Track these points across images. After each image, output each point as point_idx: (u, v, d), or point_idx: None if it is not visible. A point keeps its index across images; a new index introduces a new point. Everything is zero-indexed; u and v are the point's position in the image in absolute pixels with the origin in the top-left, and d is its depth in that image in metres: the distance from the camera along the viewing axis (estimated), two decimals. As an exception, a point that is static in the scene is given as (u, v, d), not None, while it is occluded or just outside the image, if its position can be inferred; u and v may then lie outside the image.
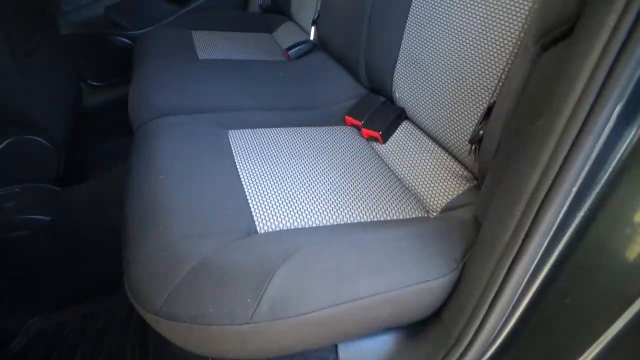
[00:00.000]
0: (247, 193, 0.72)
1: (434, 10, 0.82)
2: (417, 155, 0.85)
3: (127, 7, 1.70)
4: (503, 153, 0.61)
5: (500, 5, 0.68)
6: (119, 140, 1.52)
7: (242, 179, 0.75)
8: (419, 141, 0.88)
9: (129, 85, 1.21)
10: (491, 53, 0.70)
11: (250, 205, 0.70)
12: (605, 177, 0.48)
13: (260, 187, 0.74)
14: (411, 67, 0.90)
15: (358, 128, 0.97)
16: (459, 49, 0.76)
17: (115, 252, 0.71)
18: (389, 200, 0.75)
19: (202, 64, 1.24)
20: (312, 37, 1.33)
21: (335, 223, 0.69)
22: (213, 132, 0.89)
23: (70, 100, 1.46)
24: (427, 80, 0.85)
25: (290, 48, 1.36)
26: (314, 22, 1.32)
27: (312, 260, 0.56)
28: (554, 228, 0.51)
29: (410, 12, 0.90)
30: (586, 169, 0.47)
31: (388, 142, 0.92)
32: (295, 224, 0.68)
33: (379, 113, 0.97)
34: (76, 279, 1.08)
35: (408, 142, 0.89)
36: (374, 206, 0.73)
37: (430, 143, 0.86)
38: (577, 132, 0.46)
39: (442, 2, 0.80)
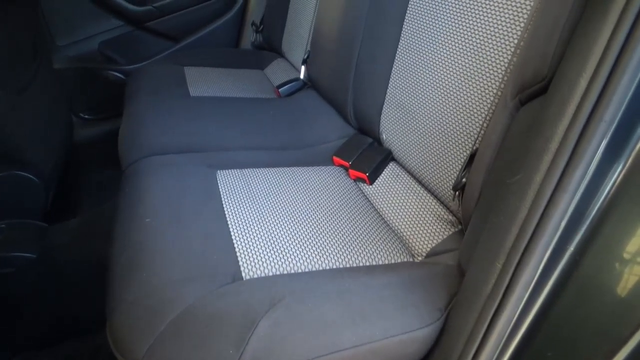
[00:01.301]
0: (233, 237, 0.72)
1: (419, 58, 0.85)
2: (403, 197, 0.87)
3: (120, 42, 1.73)
4: (484, 203, 0.62)
5: (480, 57, 0.70)
6: (109, 174, 1.52)
7: (229, 222, 0.75)
8: (406, 184, 0.89)
9: (120, 119, 1.22)
10: (472, 103, 0.72)
11: (236, 249, 0.70)
12: (582, 230, 0.50)
13: (246, 231, 0.74)
14: (397, 111, 0.92)
15: (346, 168, 0.98)
16: (442, 96, 0.79)
17: (101, 290, 0.71)
18: (375, 244, 0.76)
19: (193, 101, 1.26)
20: (302, 76, 1.36)
21: (320, 268, 0.69)
22: (202, 172, 0.90)
23: (61, 134, 1.46)
24: (412, 125, 0.87)
25: (280, 86, 1.38)
26: (304, 62, 1.34)
27: (296, 310, 0.56)
28: (535, 280, 0.52)
29: (396, 58, 0.92)
30: (563, 223, 0.48)
31: (375, 183, 0.93)
32: (281, 269, 0.68)
33: (367, 154, 0.98)
34: (61, 318, 1.07)
35: (394, 184, 0.91)
36: (359, 250, 0.74)
37: (416, 186, 0.88)
38: (552, 190, 0.47)
39: (426, 51, 0.83)
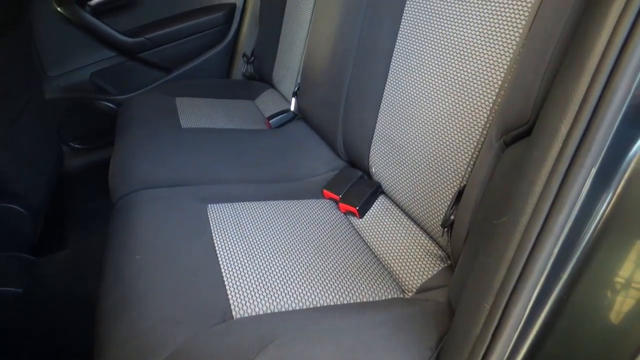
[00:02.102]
0: (224, 274, 0.72)
1: (406, 94, 0.87)
2: (392, 232, 0.87)
3: (112, 72, 1.74)
4: (473, 242, 0.63)
5: (465, 97, 0.72)
6: (99, 203, 1.51)
7: (220, 260, 0.75)
8: (395, 218, 0.90)
9: (111, 148, 1.23)
10: (459, 140, 0.73)
11: (227, 287, 0.70)
12: (568, 271, 0.51)
13: (237, 268, 0.74)
14: (386, 145, 0.93)
15: (336, 202, 0.99)
16: (429, 132, 0.80)
17: (89, 327, 0.70)
18: (366, 280, 0.76)
19: (184, 133, 1.27)
20: (292, 108, 1.38)
21: (311, 306, 0.69)
22: (192, 207, 0.90)
23: (50, 164, 1.46)
24: (401, 159, 0.88)
25: (271, 117, 1.40)
26: (294, 94, 1.37)
27: (287, 352, 0.56)
28: (524, 319, 0.52)
29: (384, 94, 0.94)
30: (549, 265, 0.49)
31: (365, 217, 0.94)
32: (272, 307, 0.68)
33: (356, 187, 0.99)
34: (47, 354, 1.05)
35: (384, 218, 0.91)
36: (350, 287, 0.74)
37: (405, 220, 0.89)
38: (538, 232, 0.48)
39: (413, 88, 0.85)
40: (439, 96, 0.78)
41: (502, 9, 0.67)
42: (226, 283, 0.71)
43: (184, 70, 1.79)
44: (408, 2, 0.89)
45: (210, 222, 0.86)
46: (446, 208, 0.75)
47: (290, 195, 1.01)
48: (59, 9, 1.57)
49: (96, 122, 1.72)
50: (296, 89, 1.36)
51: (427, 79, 0.82)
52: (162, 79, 1.79)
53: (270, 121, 1.38)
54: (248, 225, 0.86)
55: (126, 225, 0.85)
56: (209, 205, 0.92)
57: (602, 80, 0.44)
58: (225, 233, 0.83)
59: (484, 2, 0.70)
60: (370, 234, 0.90)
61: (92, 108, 1.71)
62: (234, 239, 0.82)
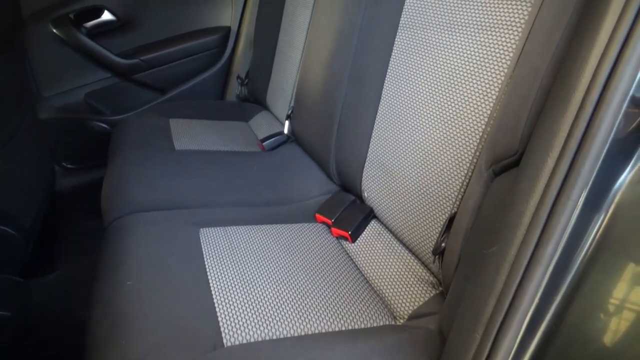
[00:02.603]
0: (215, 301, 0.72)
1: (398, 120, 0.88)
2: (384, 257, 0.88)
3: (106, 93, 1.75)
4: (463, 271, 0.64)
5: (455, 125, 0.74)
6: (90, 224, 1.51)
7: (211, 285, 0.75)
8: (387, 243, 0.91)
9: (104, 169, 1.23)
10: (449, 168, 0.74)
11: (218, 315, 0.69)
12: (557, 301, 0.51)
13: (228, 295, 0.74)
14: (378, 170, 0.94)
15: (328, 226, 1.00)
16: (421, 159, 0.81)
17: (78, 351, 0.69)
18: (358, 307, 0.76)
19: (177, 155, 1.27)
20: (286, 130, 1.39)
21: (303, 333, 0.69)
22: (185, 231, 0.90)
23: (42, 185, 1.45)
24: (393, 184, 0.89)
25: (265, 139, 1.41)
26: (288, 117, 1.38)
27: (278, 381, 0.56)
28: (514, 349, 0.53)
29: (376, 119, 0.96)
30: (538, 295, 0.50)
31: (357, 241, 0.94)
32: (263, 334, 0.68)
33: (349, 212, 1.00)
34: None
35: (376, 243, 0.92)
36: (342, 314, 0.74)
37: (397, 245, 0.89)
38: (527, 263, 0.49)
39: (404, 114, 0.86)
40: (430, 123, 0.80)
41: (490, 42, 0.69)
42: (217, 310, 0.70)
43: (179, 92, 1.81)
44: (399, 32, 0.91)
45: (203, 247, 0.86)
46: (437, 235, 0.76)
47: (283, 219, 1.01)
48: (55, 30, 1.59)
49: (90, 143, 1.72)
50: (290, 112, 1.37)
51: (418, 106, 0.84)
52: (156, 100, 1.80)
53: (264, 143, 1.39)
54: (240, 250, 0.86)
55: (117, 250, 0.84)
56: (202, 229, 0.92)
57: (586, 115, 0.45)
58: (217, 258, 0.83)
59: (472, 34, 0.72)
60: (363, 259, 0.90)
61: (86, 128, 1.71)
62: (226, 264, 0.81)
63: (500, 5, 0.68)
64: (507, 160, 0.58)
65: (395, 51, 0.92)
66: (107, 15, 1.66)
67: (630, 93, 0.44)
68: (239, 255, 0.85)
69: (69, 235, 1.55)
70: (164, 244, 0.85)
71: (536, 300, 0.50)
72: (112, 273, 0.79)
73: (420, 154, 0.82)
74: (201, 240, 0.88)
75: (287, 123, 1.39)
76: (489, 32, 0.69)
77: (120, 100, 1.78)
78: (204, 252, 0.84)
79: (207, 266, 0.80)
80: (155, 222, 0.93)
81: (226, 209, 1.03)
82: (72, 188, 1.73)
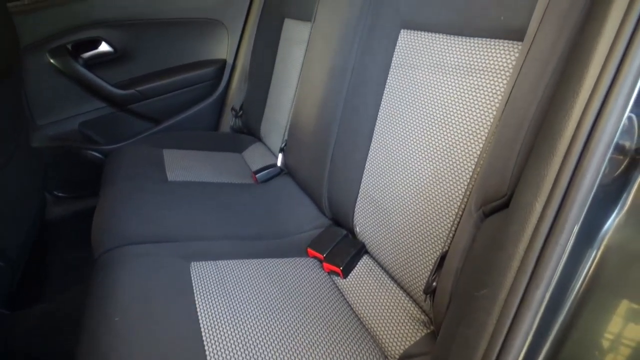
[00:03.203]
0: (204, 340, 0.71)
1: (390, 156, 0.90)
2: (376, 294, 0.87)
3: (101, 123, 1.76)
4: (454, 312, 0.63)
5: (446, 164, 0.75)
6: (79, 255, 1.49)
7: (201, 322, 0.74)
8: (379, 279, 0.91)
9: (96, 198, 1.22)
10: (440, 206, 0.75)
11: (207, 354, 0.68)
12: (548, 345, 0.51)
13: (218, 331, 0.73)
14: (370, 205, 0.95)
15: (320, 261, 0.99)
16: (412, 196, 0.82)
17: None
18: (349, 345, 0.76)
19: (170, 187, 1.27)
20: (279, 163, 1.40)
21: (292, 373, 0.68)
22: (175, 265, 0.89)
23: (31, 213, 1.44)
24: (385, 220, 0.90)
25: (258, 171, 1.41)
26: (281, 150, 1.39)
27: None
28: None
29: (369, 154, 0.97)
30: (529, 339, 0.50)
31: (348, 277, 0.94)
32: (252, 374, 0.67)
33: (340, 247, 1.00)
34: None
35: (368, 279, 0.92)
36: (332, 353, 0.73)
37: (389, 282, 0.89)
38: (517, 306, 0.49)
39: (396, 151, 0.88)
40: (421, 161, 0.81)
41: (480, 84, 0.71)
42: (206, 349, 0.69)
43: (173, 122, 1.82)
44: (391, 71, 0.93)
45: (193, 282, 0.85)
46: (429, 273, 0.76)
47: (274, 253, 1.01)
48: (52, 60, 1.61)
49: (82, 171, 1.72)
50: (283, 145, 1.38)
51: (409, 144, 0.85)
52: (150, 130, 1.81)
53: (257, 175, 1.40)
54: (231, 286, 0.86)
55: (106, 284, 0.83)
56: (192, 263, 0.91)
57: (572, 162, 0.46)
58: (208, 294, 0.82)
59: (462, 76, 0.74)
60: (354, 295, 0.90)
61: (79, 157, 1.71)
62: (216, 300, 0.81)
63: (489, 50, 0.70)
64: (497, 202, 0.59)
65: (387, 89, 0.94)
66: (104, 47, 1.69)
67: (614, 141, 0.45)
68: (230, 290, 0.84)
69: (58, 265, 1.53)
70: (153, 279, 0.84)
71: (527, 343, 0.50)
72: (99, 308, 0.77)
73: (412, 191, 0.83)
74: (192, 275, 0.87)
75: (280, 156, 1.40)
76: (478, 75, 0.71)
77: (114, 130, 1.79)
78: (194, 287, 0.83)
79: (196, 302, 0.79)
80: (146, 255, 0.92)
81: (218, 242, 1.03)
82: (62, 217, 1.72)
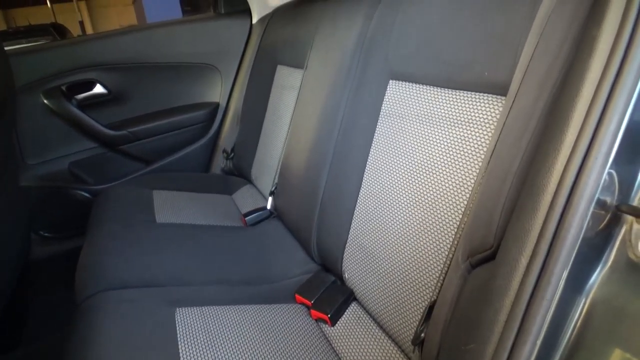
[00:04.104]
0: (186, 391, 0.69)
1: (379, 203, 0.90)
2: (364, 343, 0.86)
3: (91, 163, 1.76)
4: (442, 365, 0.63)
5: (433, 213, 0.75)
6: (63, 298, 1.45)
7: (184, 373, 0.72)
8: (367, 328, 0.89)
9: (82, 238, 1.20)
10: (428, 256, 0.75)
11: (189, 407, 0.66)
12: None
13: (201, 383, 0.71)
14: (359, 252, 0.95)
15: (308, 307, 0.98)
16: (400, 244, 0.82)
17: None
18: (335, 398, 0.74)
19: (158, 229, 1.26)
20: (269, 206, 1.40)
21: None
22: (160, 311, 0.87)
23: (15, 253, 1.41)
24: (374, 268, 0.89)
25: (247, 214, 1.41)
26: (271, 193, 1.39)
27: None
28: None
29: (358, 201, 0.98)
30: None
31: (336, 325, 0.93)
32: None
33: (329, 293, 0.99)
34: None
35: (356, 327, 0.90)
36: (319, 406, 0.71)
37: (377, 331, 0.88)
38: (505, 362, 0.49)
39: (385, 199, 0.89)
40: (409, 210, 0.82)
41: (465, 136, 0.72)
42: (188, 401, 0.67)
43: (164, 163, 1.83)
44: (380, 119, 0.95)
45: (177, 329, 0.83)
46: (417, 323, 0.75)
47: (261, 299, 1.00)
48: (46, 101, 1.62)
49: (70, 211, 1.70)
50: (273, 188, 1.39)
51: (398, 191, 0.86)
52: (141, 171, 1.81)
53: (246, 218, 1.39)
54: (216, 333, 0.84)
55: (88, 332, 0.81)
56: (178, 309, 0.89)
57: (555, 217, 0.47)
58: (192, 342, 0.80)
59: (448, 128, 0.76)
60: (342, 344, 0.88)
61: (68, 197, 1.70)
62: (201, 349, 0.79)
63: (474, 103, 0.72)
64: (483, 253, 0.59)
65: (377, 137, 0.96)
66: (98, 88, 1.71)
67: (596, 196, 0.47)
68: (215, 339, 0.82)
69: (40, 307, 1.49)
70: (136, 326, 0.82)
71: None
72: (80, 356, 0.75)
73: (400, 239, 0.83)
74: (176, 322, 0.85)
75: (270, 199, 1.41)
76: (464, 127, 0.73)
77: (104, 170, 1.79)
78: (178, 335, 0.81)
79: (180, 351, 0.77)
80: (130, 301, 0.90)
81: (204, 287, 1.02)
82: (47, 257, 1.69)
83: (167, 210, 1.40)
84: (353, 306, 0.96)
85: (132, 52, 1.74)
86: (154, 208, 1.40)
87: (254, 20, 1.85)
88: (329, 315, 0.92)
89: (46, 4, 10.87)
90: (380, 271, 0.87)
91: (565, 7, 0.56)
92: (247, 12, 1.85)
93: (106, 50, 1.71)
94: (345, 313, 0.95)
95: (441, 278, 0.72)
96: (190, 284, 1.02)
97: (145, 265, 1.05)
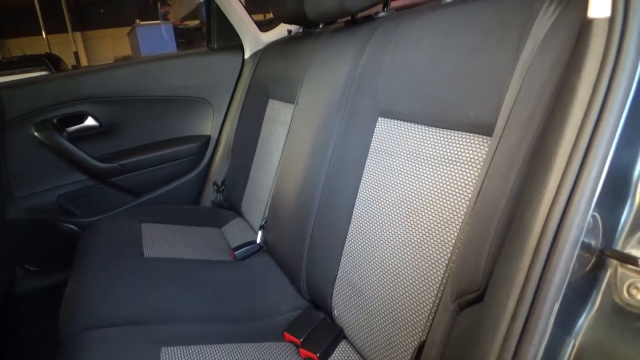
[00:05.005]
0: None
1: (368, 240, 0.90)
2: (353, 384, 0.84)
3: (80, 195, 1.75)
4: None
5: (422, 250, 0.76)
6: (46, 334, 1.42)
7: (167, 418, 0.70)
8: (356, 367, 0.88)
9: (68, 272, 1.18)
10: (417, 295, 0.75)
11: None
12: None
13: None
14: (349, 289, 0.94)
15: (297, 345, 0.96)
16: (390, 281, 0.82)
17: None
18: None
19: (146, 264, 1.24)
20: (258, 240, 1.39)
21: None
22: (145, 351, 0.86)
23: (-2, 288, 1.38)
24: (363, 305, 0.89)
25: (237, 248, 1.40)
26: (261, 227, 1.39)
27: None
28: None
29: (347, 237, 0.97)
30: None
31: (326, 365, 0.91)
32: None
33: (318, 331, 0.97)
34: None
35: (345, 367, 0.89)
36: None
37: (367, 371, 0.86)
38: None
39: (374, 236, 0.88)
40: (398, 247, 0.82)
41: (453, 174, 0.73)
42: None
43: (154, 195, 1.82)
44: (369, 155, 0.96)
45: (162, 370, 0.81)
46: (407, 364, 0.74)
47: (249, 337, 0.98)
48: (36, 133, 1.62)
49: (57, 245, 1.68)
50: (263, 222, 1.38)
51: (387, 229, 0.86)
52: (130, 203, 1.80)
53: (236, 252, 1.38)
54: (202, 374, 0.82)
55: (69, 373, 0.79)
56: (163, 349, 0.87)
57: (541, 260, 0.47)
58: (177, 384, 0.78)
59: (436, 166, 0.77)
60: (331, 385, 0.86)
61: (55, 230, 1.68)
62: (186, 391, 0.77)
63: (461, 143, 0.74)
64: (471, 295, 0.59)
65: (366, 173, 0.97)
66: (90, 121, 1.71)
67: (581, 239, 0.47)
68: (201, 380, 0.80)
69: (22, 345, 1.45)
70: (120, 367, 0.80)
71: None
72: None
73: (390, 276, 0.82)
74: (161, 363, 0.83)
75: (260, 233, 1.40)
76: (451, 166, 0.74)
77: (93, 202, 1.77)
78: (162, 377, 0.79)
79: (164, 394, 0.75)
80: (114, 340, 0.88)
81: (191, 325, 1.00)
82: (32, 292, 1.65)
83: (156, 244, 1.38)
84: (342, 344, 0.95)
85: (125, 86, 1.76)
86: (142, 241, 1.38)
87: (246, 56, 1.89)
88: (318, 354, 0.90)
89: (41, 34, 11.00)
90: (370, 309, 0.86)
91: (546, 55, 0.58)
92: (240, 47, 1.89)
93: (99, 83, 1.72)
94: (335, 352, 0.93)
95: (430, 318, 0.72)
96: (177, 321, 1.00)
97: (131, 302, 1.03)
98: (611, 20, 0.47)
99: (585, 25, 0.50)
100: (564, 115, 0.49)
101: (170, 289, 1.12)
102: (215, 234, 1.59)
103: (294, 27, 1.77)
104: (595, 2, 0.49)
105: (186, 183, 1.87)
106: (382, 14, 1.17)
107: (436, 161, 0.78)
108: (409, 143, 0.86)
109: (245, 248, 1.39)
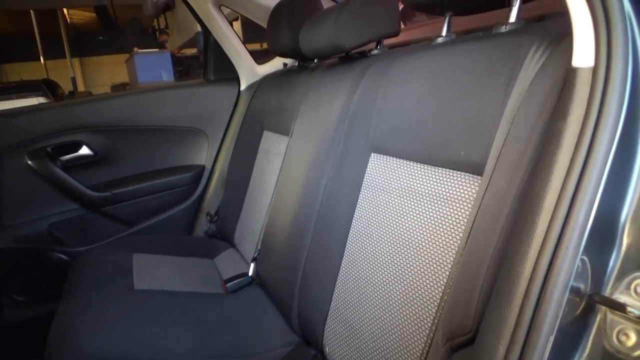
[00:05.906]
0: None
1: (360, 276, 0.90)
2: None
3: (71, 224, 1.73)
4: None
5: (414, 288, 0.75)
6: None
7: None
8: (347, 408, 0.86)
9: (56, 303, 1.16)
10: (410, 334, 0.74)
11: None
12: None
13: None
14: (341, 325, 0.93)
15: (287, 384, 0.95)
16: (382, 319, 0.81)
17: None
18: None
19: (136, 296, 1.23)
20: (251, 272, 1.38)
21: None
22: (131, 389, 0.84)
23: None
24: (355, 343, 0.87)
25: (228, 280, 1.38)
26: (254, 259, 1.38)
27: None
28: None
29: (340, 273, 0.97)
30: None
31: (316, 404, 0.89)
32: None
33: (309, 369, 0.96)
34: None
35: (336, 407, 0.87)
36: None
37: (358, 411, 0.85)
38: None
39: (366, 271, 0.88)
40: (390, 284, 0.81)
41: (444, 212, 0.74)
42: None
43: (146, 225, 1.81)
44: (362, 191, 0.97)
45: (148, 410, 0.79)
46: (398, 405, 0.73)
47: (239, 375, 0.96)
48: (30, 162, 1.62)
49: (47, 274, 1.66)
50: (256, 254, 1.38)
51: (378, 265, 0.86)
52: (122, 233, 1.78)
53: (227, 285, 1.36)
54: (189, 415, 0.80)
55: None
56: (150, 387, 0.86)
57: (532, 303, 0.48)
58: None
59: (427, 203, 0.78)
60: None
61: (45, 259, 1.66)
62: None
63: (452, 181, 0.74)
64: (462, 337, 0.59)
65: (359, 208, 0.97)
66: (84, 150, 1.72)
67: (570, 284, 0.47)
68: (188, 420, 0.78)
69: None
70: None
71: None
72: None
73: (382, 314, 0.82)
74: (148, 402, 0.81)
75: (252, 265, 1.39)
76: (442, 204, 0.75)
77: (85, 232, 1.76)
78: (149, 417, 0.78)
79: None
80: (101, 377, 0.86)
81: (180, 362, 0.98)
82: (18, 323, 1.62)
83: (147, 275, 1.37)
84: (334, 383, 0.93)
85: (121, 115, 1.77)
86: (133, 273, 1.37)
87: (242, 87, 1.91)
88: (308, 394, 0.89)
89: (39, 59, 11.11)
90: (362, 348, 0.85)
91: (533, 100, 0.60)
92: (236, 79, 1.92)
93: (95, 113, 1.73)
94: (326, 391, 0.92)
95: (422, 359, 0.71)
96: (167, 357, 0.98)
97: (119, 337, 1.01)
98: (595, 69, 0.48)
99: (570, 73, 0.51)
100: (552, 160, 0.50)
101: (159, 323, 1.10)
102: (207, 265, 1.57)
103: (289, 60, 1.80)
104: (580, 51, 0.50)
105: (179, 213, 1.86)
106: (375, 51, 1.19)
107: (428, 198, 0.78)
108: (401, 179, 0.87)
109: (237, 280, 1.38)
